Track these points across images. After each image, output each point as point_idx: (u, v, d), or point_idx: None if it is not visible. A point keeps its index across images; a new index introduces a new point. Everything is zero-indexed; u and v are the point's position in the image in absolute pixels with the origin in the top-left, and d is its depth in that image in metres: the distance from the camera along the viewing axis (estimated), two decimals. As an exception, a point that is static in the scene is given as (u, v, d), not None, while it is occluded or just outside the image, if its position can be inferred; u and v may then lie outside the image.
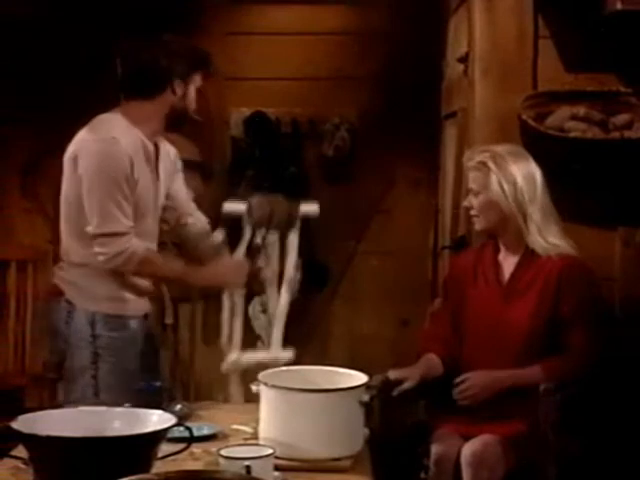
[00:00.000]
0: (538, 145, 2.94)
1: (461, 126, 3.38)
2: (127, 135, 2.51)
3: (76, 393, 2.49)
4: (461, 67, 3.37)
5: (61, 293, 2.52)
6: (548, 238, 2.59)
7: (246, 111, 4.07)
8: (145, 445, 1.71)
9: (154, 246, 2.62)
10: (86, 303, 2.51)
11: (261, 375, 2.11)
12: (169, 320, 4.12)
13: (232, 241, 2.70)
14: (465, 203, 2.73)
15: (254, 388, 2.10)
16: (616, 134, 2.94)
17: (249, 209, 2.65)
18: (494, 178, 2.59)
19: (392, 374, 2.53)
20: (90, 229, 2.46)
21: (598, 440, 2.56)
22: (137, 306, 2.60)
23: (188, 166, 4.03)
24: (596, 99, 2.99)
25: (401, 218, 4.19)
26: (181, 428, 1.88)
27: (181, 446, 1.89)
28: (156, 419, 1.80)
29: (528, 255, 2.61)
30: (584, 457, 2.49)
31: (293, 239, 2.65)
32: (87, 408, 2.01)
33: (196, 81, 2.60)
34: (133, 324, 2.57)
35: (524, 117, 2.94)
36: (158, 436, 1.73)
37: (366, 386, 2.10)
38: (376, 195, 4.17)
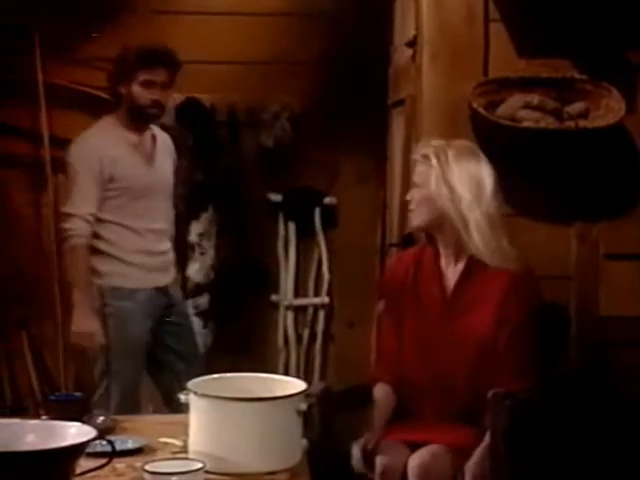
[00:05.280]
0: (489, 135, 2.97)
1: (409, 115, 3.41)
2: (103, 134, 3.31)
3: None
4: (409, 52, 3.39)
5: None
6: (490, 251, 2.57)
7: (178, 97, 4.03)
8: (61, 461, 1.69)
9: (157, 225, 3.35)
10: None
11: (191, 383, 2.11)
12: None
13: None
14: (407, 196, 2.74)
15: (183, 397, 2.09)
16: (571, 124, 2.98)
17: None
18: (433, 174, 2.60)
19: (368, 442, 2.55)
20: None
21: (552, 450, 2.60)
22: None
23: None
24: (550, 86, 3.03)
25: (346, 213, 4.21)
26: (103, 442, 1.87)
27: (102, 461, 1.87)
28: (74, 432, 1.78)
29: (473, 265, 2.60)
30: (537, 467, 2.52)
31: None
32: (-2, 421, 1.98)
33: (138, 79, 3.25)
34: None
35: (474, 105, 2.96)
36: (76, 451, 1.71)
37: (305, 394, 2.11)
38: (319, 189, 4.18)
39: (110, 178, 3.25)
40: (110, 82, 3.38)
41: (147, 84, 3.26)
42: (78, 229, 3.23)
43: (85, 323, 3.21)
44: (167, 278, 3.42)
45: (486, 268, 2.59)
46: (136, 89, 3.26)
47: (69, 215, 3.25)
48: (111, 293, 3.27)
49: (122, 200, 3.29)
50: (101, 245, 3.28)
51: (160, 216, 3.39)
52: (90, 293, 3.24)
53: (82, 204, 3.23)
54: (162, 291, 3.38)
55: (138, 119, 3.33)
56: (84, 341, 3.23)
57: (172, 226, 3.50)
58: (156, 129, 3.47)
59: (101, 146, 3.27)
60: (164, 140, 3.49)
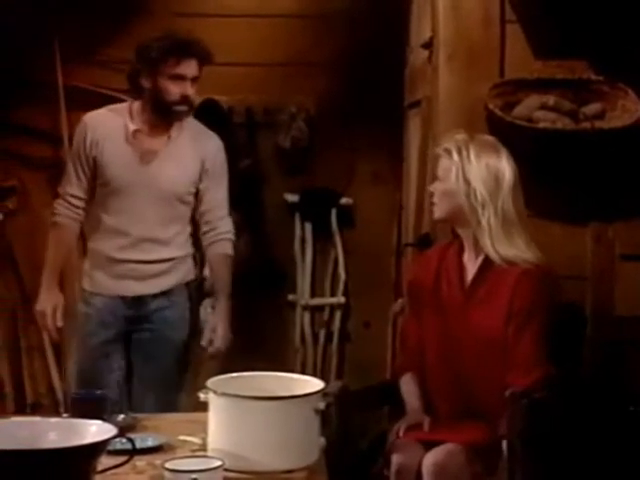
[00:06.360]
0: (506, 136, 2.96)
1: (425, 116, 3.40)
2: (102, 117, 3.04)
3: None
4: (425, 53, 3.39)
5: None
6: (500, 249, 2.56)
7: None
8: (83, 458, 1.70)
9: (136, 231, 2.98)
10: None
11: (210, 382, 2.11)
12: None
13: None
14: (430, 188, 2.74)
15: (202, 396, 2.09)
16: (587, 124, 2.97)
17: None
18: (454, 169, 2.60)
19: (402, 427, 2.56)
20: None
21: (569, 449, 2.58)
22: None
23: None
24: (566, 87, 3.02)
25: (362, 214, 4.21)
26: (123, 439, 1.88)
27: (123, 459, 1.88)
28: (95, 430, 1.79)
29: (489, 259, 2.60)
30: (554, 467, 2.51)
31: None
32: (20, 419, 1.99)
33: (166, 72, 2.92)
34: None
35: (491, 106, 2.96)
36: (97, 448, 1.72)
37: (322, 393, 2.11)
38: (335, 189, 4.17)
39: (94, 162, 2.98)
40: (132, 74, 2.99)
41: (177, 78, 2.91)
42: (58, 208, 3.04)
43: (42, 302, 2.98)
44: (146, 289, 3.02)
45: (499, 264, 2.59)
46: (165, 83, 2.91)
47: (58, 194, 3.08)
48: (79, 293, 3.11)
49: (103, 191, 2.99)
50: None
51: (146, 222, 2.99)
52: (56, 274, 3.03)
53: (66, 184, 3.04)
54: (132, 301, 3.02)
55: (163, 116, 2.97)
56: (41, 320, 2.99)
57: (175, 237, 3.04)
58: (192, 127, 3.08)
59: (94, 127, 3.00)
60: (192, 143, 3.04)
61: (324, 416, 2.10)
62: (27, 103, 3.98)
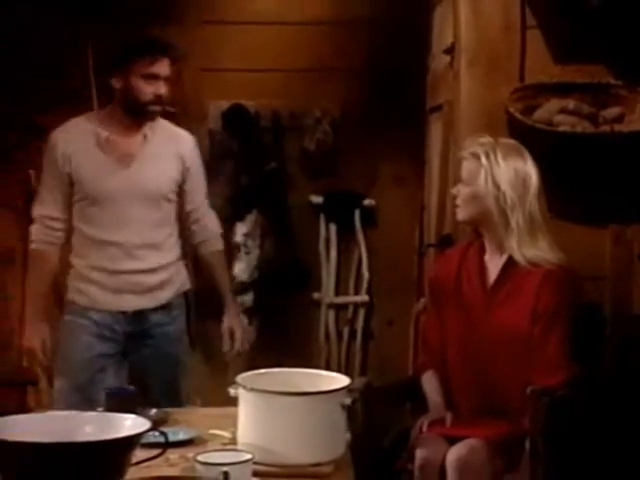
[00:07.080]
0: (526, 139, 2.95)
1: (447, 120, 3.40)
2: (70, 130, 2.86)
3: None
4: (447, 59, 3.39)
5: None
6: (525, 251, 2.56)
7: (224, 103, 4.07)
8: (118, 451, 1.71)
9: (127, 238, 2.82)
10: None
11: (240, 378, 2.12)
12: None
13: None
14: (453, 190, 2.74)
15: (232, 391, 2.11)
16: (606, 128, 2.96)
17: None
18: (482, 173, 2.60)
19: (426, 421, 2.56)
20: None
21: (590, 447, 2.57)
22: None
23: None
24: (586, 91, 3.01)
25: (385, 215, 4.21)
26: (156, 433, 1.89)
27: (156, 452, 1.89)
28: (130, 424, 1.80)
29: (513, 260, 2.60)
30: (575, 464, 2.50)
31: None
32: (57, 412, 2.01)
33: (139, 71, 2.78)
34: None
35: (511, 110, 2.96)
36: (132, 441, 1.73)
37: (348, 389, 2.12)
38: (359, 191, 4.18)
39: (70, 178, 2.80)
40: (99, 74, 2.91)
41: (151, 77, 2.76)
42: (33, 233, 2.85)
43: (28, 338, 2.81)
44: (145, 302, 2.85)
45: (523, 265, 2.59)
46: (138, 83, 2.76)
47: (32, 218, 2.88)
48: (66, 306, 2.89)
49: (84, 204, 2.81)
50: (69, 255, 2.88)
51: (136, 228, 2.82)
52: (40, 305, 2.85)
53: (40, 206, 2.85)
54: (132, 316, 2.85)
55: (135, 116, 2.82)
56: (28, 357, 2.84)
57: (167, 239, 2.88)
58: (164, 126, 2.92)
59: (63, 142, 2.82)
60: (167, 141, 2.90)
61: (349, 411, 2.11)
62: (61, 110, 4.00)
